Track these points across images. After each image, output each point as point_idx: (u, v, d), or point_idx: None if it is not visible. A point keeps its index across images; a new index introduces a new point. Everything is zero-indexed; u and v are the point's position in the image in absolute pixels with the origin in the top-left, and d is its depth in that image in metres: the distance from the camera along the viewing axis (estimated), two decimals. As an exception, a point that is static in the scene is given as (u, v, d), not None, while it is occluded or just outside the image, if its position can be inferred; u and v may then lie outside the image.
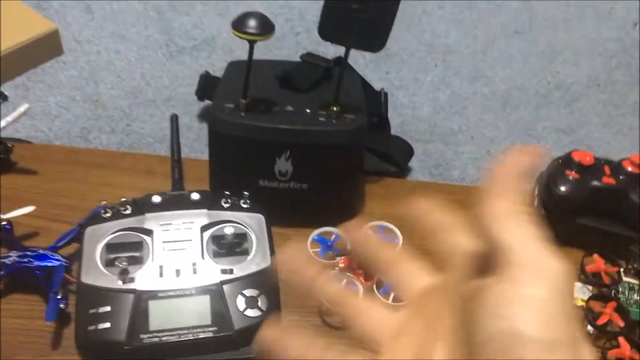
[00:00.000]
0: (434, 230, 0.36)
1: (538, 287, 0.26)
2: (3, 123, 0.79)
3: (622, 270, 0.68)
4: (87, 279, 0.56)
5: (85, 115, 0.84)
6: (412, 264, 0.37)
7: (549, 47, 1.04)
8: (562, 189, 0.69)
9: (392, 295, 0.64)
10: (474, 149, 0.86)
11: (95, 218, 0.61)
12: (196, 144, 0.81)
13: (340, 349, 0.34)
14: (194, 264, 0.58)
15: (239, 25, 0.59)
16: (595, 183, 0.69)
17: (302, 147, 0.66)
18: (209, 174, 0.70)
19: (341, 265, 0.64)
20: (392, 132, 0.85)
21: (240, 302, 0.56)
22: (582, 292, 0.68)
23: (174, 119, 0.72)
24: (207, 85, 0.82)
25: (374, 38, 0.62)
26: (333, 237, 0.68)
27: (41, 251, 0.62)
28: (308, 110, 0.67)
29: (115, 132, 0.82)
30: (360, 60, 0.96)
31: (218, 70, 0.79)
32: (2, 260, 0.61)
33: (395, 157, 0.81)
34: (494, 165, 0.31)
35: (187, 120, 0.84)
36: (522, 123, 0.91)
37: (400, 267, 0.36)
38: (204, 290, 0.56)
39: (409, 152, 0.82)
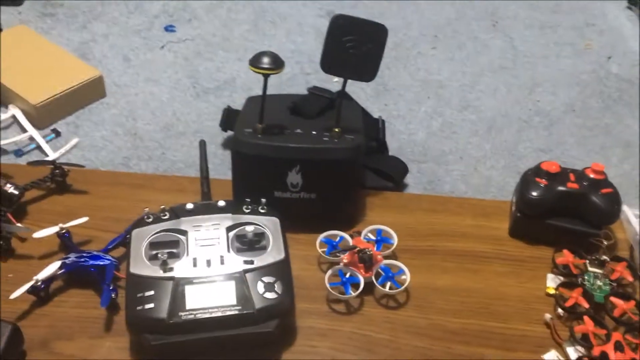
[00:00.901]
0: None
1: None
2: (57, 154, 0.94)
3: (587, 262, 0.79)
4: (135, 269, 0.69)
5: (126, 146, 0.98)
6: None
7: (530, 79, 1.17)
8: (534, 194, 0.81)
9: (388, 285, 0.75)
10: (462, 167, 0.98)
11: (140, 222, 0.74)
12: (221, 168, 0.95)
13: None
14: (221, 257, 0.70)
15: (254, 62, 0.73)
16: (561, 188, 0.81)
17: (310, 162, 0.78)
18: (232, 187, 0.83)
19: (345, 261, 0.76)
20: (390, 154, 0.98)
21: (260, 287, 0.68)
22: (553, 282, 0.78)
23: (202, 144, 0.86)
24: (229, 118, 0.96)
25: (366, 69, 0.75)
26: (338, 238, 0.80)
27: (95, 252, 0.75)
28: (314, 132, 0.80)
29: (152, 160, 0.96)
30: (362, 95, 1.09)
31: (238, 106, 0.93)
32: (63, 261, 0.74)
33: (392, 175, 0.93)
34: None
35: (213, 149, 0.98)
36: (506, 144, 1.03)
37: None
38: (230, 277, 0.68)
39: (404, 170, 0.95)
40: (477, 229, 0.86)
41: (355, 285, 0.75)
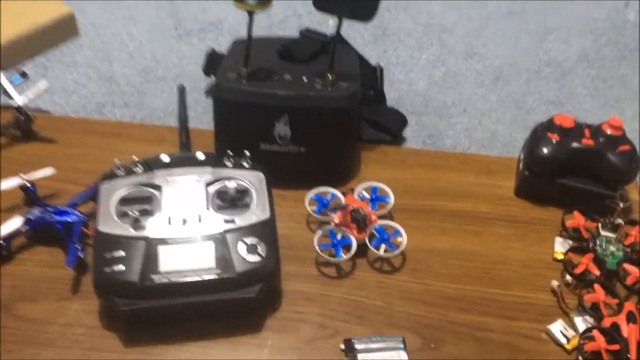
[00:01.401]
0: None
1: None
2: (24, 98, 0.86)
3: (600, 225, 0.72)
4: (103, 227, 0.62)
5: (100, 91, 0.90)
6: None
7: (541, 26, 1.08)
8: (544, 150, 0.74)
9: (382, 247, 0.69)
10: (466, 121, 0.91)
11: (110, 175, 0.66)
12: (203, 116, 0.87)
13: None
14: (199, 215, 0.63)
15: (239, -3, 0.65)
16: (575, 145, 0.74)
17: (299, 112, 0.71)
18: (214, 139, 0.76)
19: (336, 220, 0.69)
20: (388, 105, 0.90)
21: (242, 249, 0.62)
22: (562, 246, 0.72)
23: (182, 89, 0.78)
24: (213, 62, 0.88)
25: (365, 7, 0.67)
26: (329, 196, 0.73)
27: (61, 208, 0.69)
28: (305, 79, 0.72)
29: (128, 107, 0.88)
30: (359, 40, 1.01)
31: (225, 50, 0.85)
32: (27, 216, 0.68)
33: (390, 127, 0.86)
34: None
35: (195, 95, 0.90)
36: (513, 96, 0.96)
37: None
38: (208, 238, 0.62)
39: (403, 122, 0.87)
40: (480, 188, 0.79)
41: (347, 247, 0.69)
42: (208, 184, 0.66)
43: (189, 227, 0.63)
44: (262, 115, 0.72)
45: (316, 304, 0.66)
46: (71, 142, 0.80)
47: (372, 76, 0.89)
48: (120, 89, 0.90)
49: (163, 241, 0.61)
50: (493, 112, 0.93)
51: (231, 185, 0.65)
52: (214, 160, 0.68)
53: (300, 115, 0.71)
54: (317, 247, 0.68)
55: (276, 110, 0.71)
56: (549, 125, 0.76)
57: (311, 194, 0.73)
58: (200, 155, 0.68)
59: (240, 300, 0.61)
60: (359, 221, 0.69)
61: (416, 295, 0.67)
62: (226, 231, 0.63)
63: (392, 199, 0.73)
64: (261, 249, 0.62)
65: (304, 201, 0.73)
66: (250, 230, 0.63)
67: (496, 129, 0.90)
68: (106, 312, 0.62)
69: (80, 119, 0.85)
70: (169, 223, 0.63)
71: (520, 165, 0.78)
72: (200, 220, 0.63)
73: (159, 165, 0.67)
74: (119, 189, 0.65)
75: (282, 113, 0.71)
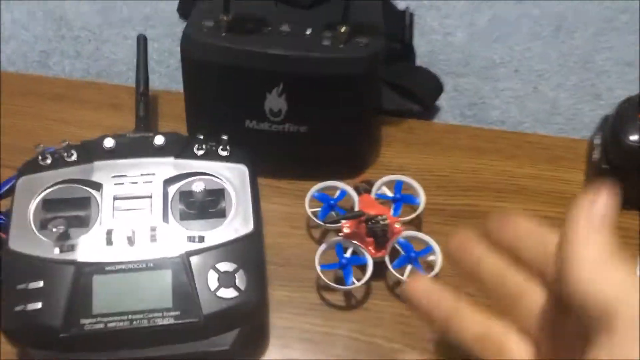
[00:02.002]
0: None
1: None
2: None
3: None
4: (16, 244, 0.44)
5: (46, 35, 0.69)
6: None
7: (613, -39, 0.85)
8: (634, 138, 0.54)
9: (407, 270, 0.51)
10: (517, 85, 0.71)
11: (31, 166, 0.48)
12: (178, 74, 0.67)
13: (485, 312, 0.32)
14: (153, 229, 0.45)
15: None
16: (679, 131, 0.54)
17: (299, 79, 0.51)
18: (185, 114, 0.57)
19: (346, 230, 0.50)
20: (418, 63, 0.70)
21: (212, 279, 0.44)
22: (650, 270, 0.54)
23: (142, 40, 0.58)
24: (190, 1, 0.67)
25: None
26: (338, 193, 0.54)
27: (-28, 205, 0.50)
28: (309, 31, 0.52)
29: (81, 57, 0.68)
30: (382, -25, 0.79)
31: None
32: None
33: (419, 94, 0.66)
34: (569, 215, 0.27)
35: (168, 44, 0.69)
36: (578, 54, 0.74)
37: (527, 298, 0.31)
38: (164, 264, 0.44)
39: (436, 87, 0.67)
40: (539, 182, 0.60)
41: (361, 268, 0.51)
42: (168, 183, 0.47)
43: (137, 247, 0.44)
44: (249, 82, 0.52)
45: (316, 347, 0.48)
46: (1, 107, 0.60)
47: (398, 24, 0.68)
48: (72, 34, 0.70)
49: (99, 268, 0.43)
50: (552, 75, 0.72)
51: (199, 185, 0.46)
52: (178, 147, 0.49)
53: (300, 84, 0.51)
54: (318, 268, 0.49)
55: (267, 77, 0.51)
56: (641, 102, 0.56)
57: (313, 190, 0.54)
58: (159, 140, 0.49)
59: (208, 354, 0.43)
60: (378, 235, 0.50)
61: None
62: (190, 253, 0.44)
63: (423, 199, 0.54)
64: (240, 280, 0.44)
65: (304, 198, 0.54)
66: (226, 251, 0.45)
67: (557, 96, 0.70)
68: (24, 361, 0.45)
69: (16, 75, 0.65)
70: (110, 241, 0.44)
71: (595, 154, 0.59)
72: (154, 237, 0.45)
73: (100, 153, 0.48)
74: (42, 187, 0.46)
75: (275, 80, 0.51)
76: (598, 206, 0.27)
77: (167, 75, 0.68)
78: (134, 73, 0.66)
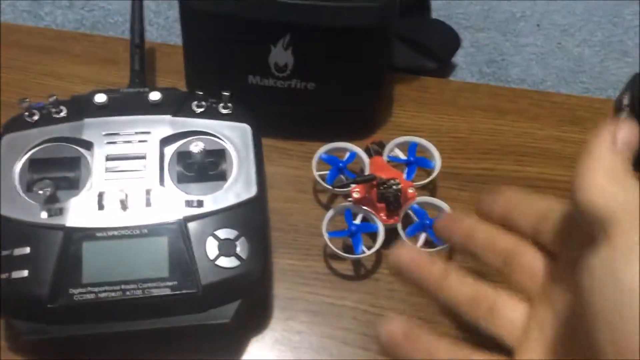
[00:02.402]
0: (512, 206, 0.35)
1: None
2: None
3: None
4: (1, 208, 0.41)
5: (37, -16, 0.65)
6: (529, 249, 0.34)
7: None
8: (668, 98, 0.50)
9: (422, 238, 0.47)
10: (540, 41, 0.66)
11: (17, 123, 0.44)
12: (177, 25, 0.63)
13: (466, 350, 0.33)
14: (148, 193, 0.41)
15: None
16: None
17: (306, 31, 0.47)
18: (184, 69, 0.52)
19: (356, 195, 0.47)
20: (433, 16, 0.65)
21: (212, 247, 0.40)
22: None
23: (136, -12, 0.53)
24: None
25: None
26: (347, 155, 0.50)
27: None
28: (318, -22, 0.47)
29: (74, 7, 0.64)
30: None
31: None
32: None
33: (435, 50, 0.61)
34: (594, 132, 0.29)
35: (170, -7, 0.65)
36: (605, 7, 0.70)
37: (519, 258, 0.34)
38: (160, 230, 0.40)
39: (453, 42, 0.62)
40: (563, 144, 0.56)
41: (371, 236, 0.47)
42: (164, 142, 0.44)
43: (131, 212, 0.41)
44: (252, 34, 0.47)
45: (322, 320, 0.45)
46: (-15, 60, 0.57)
47: (413, -26, 0.63)
48: (65, -17, 0.65)
49: (90, 234, 0.40)
50: (577, 30, 0.67)
51: (198, 145, 0.43)
52: (176, 104, 0.45)
53: (308, 36, 0.47)
54: (325, 236, 0.46)
55: (273, 28, 0.47)
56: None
57: (320, 151, 0.50)
58: (155, 95, 0.45)
59: (207, 327, 0.40)
60: (389, 199, 0.47)
61: (467, 308, 0.46)
62: (188, 219, 0.41)
63: (438, 162, 0.51)
64: (242, 248, 0.41)
65: (311, 160, 0.50)
66: (226, 217, 0.42)
67: (582, 54, 0.65)
68: (11, 334, 0.42)
69: (3, 24, 0.61)
70: (101, 205, 0.41)
71: (624, 115, 0.54)
72: (149, 201, 0.41)
73: (91, 109, 0.44)
74: (28, 145, 0.43)
75: (281, 32, 0.47)
76: (623, 132, 0.28)
77: (166, 27, 0.63)
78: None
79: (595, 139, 0.29)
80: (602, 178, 0.27)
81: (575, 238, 0.30)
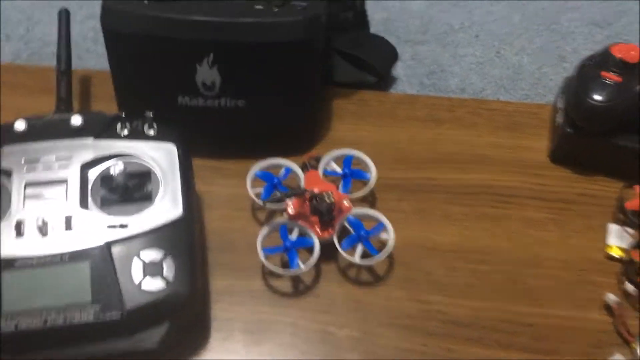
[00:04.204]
0: None
1: None
2: None
3: (676, 207, 0.50)
4: None
5: (-28, 19, 0.65)
6: None
7: None
8: (597, 97, 0.50)
9: (358, 250, 0.47)
10: (479, 51, 0.67)
11: None
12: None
13: None
14: (68, 218, 0.41)
15: None
16: (644, 88, 0.50)
17: (230, 48, 0.47)
18: (115, 93, 0.52)
19: (290, 210, 0.46)
20: (372, 31, 0.65)
21: (137, 270, 0.40)
22: (619, 238, 0.50)
23: (63, 15, 0.53)
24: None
25: None
26: (282, 171, 0.50)
27: None
28: (241, -5, 0.47)
29: (11, 40, 0.64)
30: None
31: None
32: None
33: (374, 64, 0.62)
34: None
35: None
36: (543, 15, 0.71)
37: None
38: (82, 255, 0.40)
39: (391, 56, 0.63)
40: (501, 150, 0.56)
41: (310, 251, 0.47)
42: (87, 166, 0.43)
43: (51, 238, 0.40)
44: (176, 54, 0.47)
45: (261, 338, 0.45)
46: None
47: (349, -9, 0.63)
48: (1, 15, 0.65)
49: (9, 263, 0.39)
50: (516, 38, 0.68)
51: (119, 165, 0.42)
52: (98, 127, 0.45)
53: (232, 54, 0.47)
54: (260, 253, 0.45)
55: (195, 47, 0.47)
56: (604, 60, 0.52)
57: (255, 168, 0.50)
58: (76, 120, 0.44)
59: (133, 353, 0.39)
60: (323, 213, 0.46)
61: (408, 319, 0.46)
62: (111, 243, 0.40)
63: (373, 174, 0.50)
64: (168, 269, 0.40)
65: (246, 179, 0.50)
66: (152, 239, 0.41)
67: (520, 61, 0.66)
68: None
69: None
70: (20, 232, 0.40)
71: (558, 118, 0.55)
72: (70, 226, 0.40)
73: (10, 136, 0.44)
74: (-54, 176, 0.42)
75: (204, 50, 0.47)
76: None
77: (104, 55, 0.63)
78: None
79: None
80: None
81: None
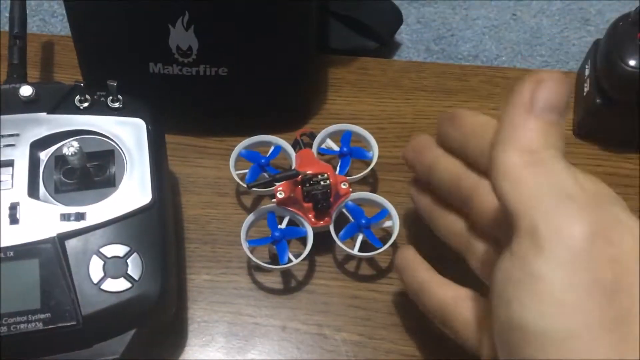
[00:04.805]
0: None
1: (548, 263, 0.21)
2: None
3: None
4: None
5: None
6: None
7: None
8: (632, 62, 0.44)
9: (358, 241, 0.40)
10: (493, 13, 0.60)
11: None
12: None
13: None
14: (13, 207, 0.34)
15: None
16: (689, 52, 0.43)
17: (209, 6, 0.40)
18: (78, 62, 0.45)
19: (280, 195, 0.40)
20: (373, -9, 0.58)
21: (96, 269, 0.33)
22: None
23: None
24: None
25: None
26: (271, 150, 0.43)
27: None
28: (219, -56, 0.40)
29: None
30: None
31: None
32: None
33: (375, 28, 0.54)
34: (505, 105, 0.25)
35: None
36: (563, -27, 0.63)
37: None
38: (29, 251, 0.33)
39: (395, 19, 0.56)
40: (520, 124, 0.49)
41: (302, 241, 0.41)
42: (37, 145, 0.37)
43: (-7, 231, 0.34)
44: (144, 13, 0.40)
45: (246, 344, 0.39)
46: None
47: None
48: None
49: (-58, 261, 0.33)
50: (533, -1, 0.61)
51: (74, 145, 0.35)
52: (52, 99, 0.38)
53: (210, 13, 0.40)
54: (245, 245, 0.39)
55: (167, 5, 0.40)
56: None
57: (240, 147, 0.43)
58: (26, 90, 0.37)
59: (92, 365, 0.33)
60: (319, 198, 0.40)
61: (415, 320, 0.40)
62: (64, 235, 0.34)
63: (375, 152, 0.44)
64: (134, 267, 0.34)
65: (229, 159, 0.43)
66: (115, 230, 0.35)
67: (539, 24, 0.59)
68: None
69: None
70: (-43, 225, 0.34)
71: (586, 87, 0.48)
72: (15, 218, 0.34)
73: (-52, 111, 0.37)
74: None
75: (178, 9, 0.40)
76: (543, 91, 0.23)
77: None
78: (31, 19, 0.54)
79: (509, 104, 0.23)
80: (516, 158, 0.22)
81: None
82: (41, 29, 0.55)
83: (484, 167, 0.29)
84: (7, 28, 0.44)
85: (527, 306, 0.21)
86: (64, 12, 0.56)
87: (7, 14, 0.44)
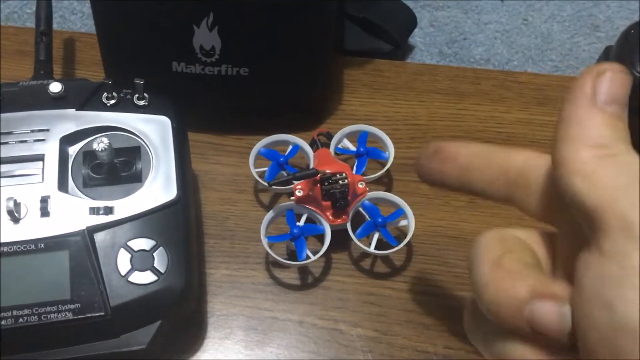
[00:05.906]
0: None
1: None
2: None
3: None
4: None
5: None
6: None
7: None
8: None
9: (374, 239, 0.41)
10: (504, 18, 0.61)
11: None
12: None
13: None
14: (44, 201, 0.35)
15: None
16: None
17: (231, 8, 0.41)
18: (102, 59, 0.46)
19: (298, 193, 0.41)
20: (388, -6, 0.59)
21: (123, 261, 0.35)
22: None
23: (43, -31, 0.47)
24: None
25: None
26: (289, 149, 0.45)
27: None
28: (244, -52, 0.41)
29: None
30: None
31: None
32: None
33: (389, 30, 0.55)
34: (568, 92, 0.23)
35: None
36: (574, -20, 0.64)
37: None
38: (59, 244, 0.34)
39: (410, 22, 0.57)
40: (531, 128, 0.50)
41: (319, 239, 0.42)
42: (67, 140, 0.38)
43: (25, 224, 0.35)
44: (170, 13, 0.41)
45: (264, 338, 0.40)
46: None
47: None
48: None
49: (-25, 252, 0.34)
50: (544, 4, 0.62)
51: (104, 141, 0.36)
52: (81, 96, 0.39)
53: (234, 14, 0.41)
54: (264, 241, 0.40)
55: (193, 6, 0.41)
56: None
57: (259, 146, 0.44)
58: (55, 87, 0.38)
59: (120, 354, 0.34)
60: (336, 196, 0.41)
61: (429, 317, 0.41)
62: (94, 229, 0.35)
63: (392, 153, 0.45)
64: (160, 260, 0.35)
65: (249, 157, 0.44)
66: (141, 225, 0.36)
67: (550, 30, 0.60)
68: None
69: None
70: (-11, 217, 0.35)
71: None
72: (46, 211, 0.35)
73: (-21, 105, 0.38)
74: None
75: (203, 10, 0.41)
76: (606, 82, 0.22)
77: (90, 16, 0.57)
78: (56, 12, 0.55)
79: (569, 99, 0.22)
80: (586, 153, 0.21)
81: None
82: (61, 25, 0.56)
83: (494, 196, 0.27)
84: (26, 25, 0.45)
85: (634, 302, 0.19)
86: (83, 9, 0.58)
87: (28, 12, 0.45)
